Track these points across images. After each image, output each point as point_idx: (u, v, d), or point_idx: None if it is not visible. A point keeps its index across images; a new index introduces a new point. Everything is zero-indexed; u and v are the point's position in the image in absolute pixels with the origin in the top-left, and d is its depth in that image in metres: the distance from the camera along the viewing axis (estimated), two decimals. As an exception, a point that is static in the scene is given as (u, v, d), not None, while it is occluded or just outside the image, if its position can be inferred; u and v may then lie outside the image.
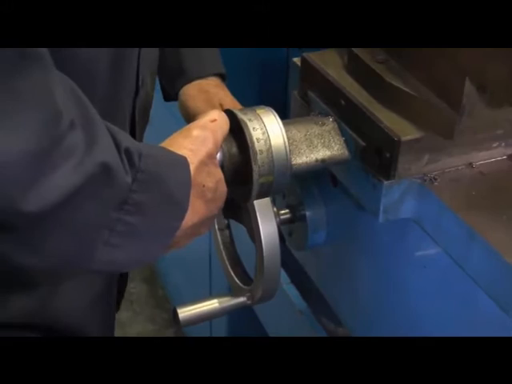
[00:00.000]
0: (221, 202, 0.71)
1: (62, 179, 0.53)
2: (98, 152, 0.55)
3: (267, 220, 0.82)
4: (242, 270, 0.92)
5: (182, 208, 0.64)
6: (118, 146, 0.58)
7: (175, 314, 0.84)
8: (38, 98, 0.52)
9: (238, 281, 0.91)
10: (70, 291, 0.78)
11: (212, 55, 1.00)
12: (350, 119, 0.79)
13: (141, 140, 0.87)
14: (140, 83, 0.79)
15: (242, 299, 0.88)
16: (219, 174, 0.69)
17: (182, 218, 0.64)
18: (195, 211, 0.66)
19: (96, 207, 0.56)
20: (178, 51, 0.99)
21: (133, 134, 0.82)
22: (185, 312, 0.84)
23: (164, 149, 0.65)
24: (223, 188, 0.70)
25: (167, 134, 0.70)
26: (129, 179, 0.58)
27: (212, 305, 0.86)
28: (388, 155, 0.73)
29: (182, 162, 0.64)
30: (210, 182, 0.67)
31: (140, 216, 0.60)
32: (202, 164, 0.67)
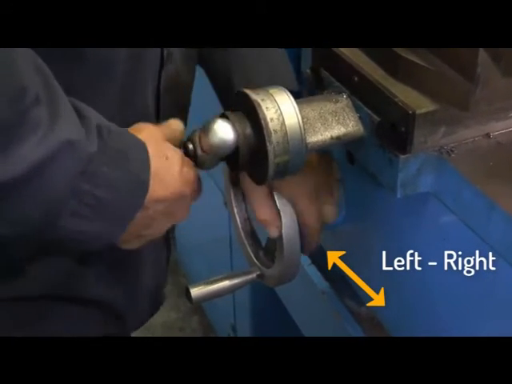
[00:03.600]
0: (191, 185, 0.73)
1: (28, 151, 0.55)
2: (61, 127, 0.57)
3: (286, 203, 0.82)
4: (262, 253, 0.92)
5: (143, 182, 0.66)
6: (85, 122, 0.60)
7: (188, 293, 0.85)
8: (2, 72, 0.54)
9: (258, 264, 0.91)
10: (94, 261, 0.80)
11: (272, 66, 0.88)
12: (364, 95, 0.78)
13: (165, 114, 0.83)
14: (165, 56, 0.79)
15: (250, 276, 0.89)
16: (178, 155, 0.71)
17: (145, 193, 0.66)
18: (164, 185, 0.68)
19: (62, 179, 0.58)
20: (225, 55, 0.88)
21: (157, 105, 0.82)
22: (196, 291, 0.85)
23: (126, 130, 0.68)
24: (191, 171, 0.72)
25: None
26: (95, 152, 0.60)
27: (222, 282, 0.87)
28: (403, 129, 0.73)
29: (141, 143, 0.67)
30: (173, 157, 0.70)
31: (108, 190, 0.62)
32: (160, 141, 0.70)
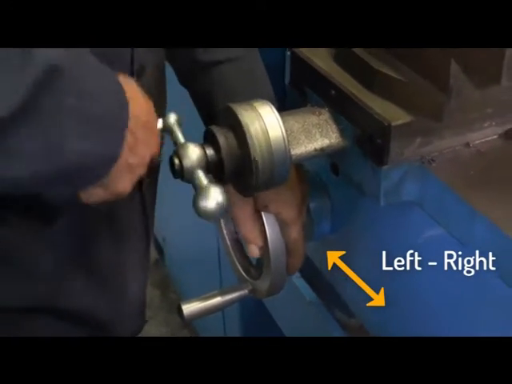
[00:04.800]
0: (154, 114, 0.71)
1: (19, 81, 0.55)
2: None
3: (272, 220, 0.83)
4: (249, 264, 0.93)
5: (123, 94, 0.65)
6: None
7: (180, 310, 0.86)
8: None
9: (245, 276, 0.92)
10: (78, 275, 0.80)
11: (253, 84, 0.88)
12: (343, 109, 0.80)
13: None
14: (135, 70, 0.77)
15: (243, 292, 0.90)
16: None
17: (127, 105, 0.65)
18: (138, 103, 0.67)
19: (55, 99, 0.58)
20: (207, 74, 0.87)
21: None
22: (188, 308, 0.85)
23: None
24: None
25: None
26: (76, 59, 0.60)
27: (214, 298, 0.87)
28: (380, 141, 0.74)
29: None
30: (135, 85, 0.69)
31: (96, 101, 0.62)
32: None
